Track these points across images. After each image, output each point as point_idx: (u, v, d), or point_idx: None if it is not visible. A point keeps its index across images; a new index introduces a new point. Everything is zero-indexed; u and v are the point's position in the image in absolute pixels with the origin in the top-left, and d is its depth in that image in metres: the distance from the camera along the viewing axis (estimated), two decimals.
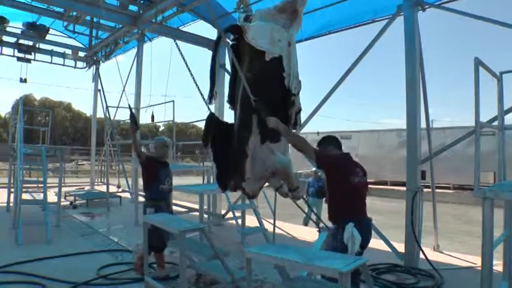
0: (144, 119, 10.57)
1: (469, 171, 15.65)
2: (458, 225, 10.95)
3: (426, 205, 5.70)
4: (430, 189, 6.51)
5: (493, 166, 4.30)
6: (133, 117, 4.93)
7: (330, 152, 3.51)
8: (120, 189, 12.38)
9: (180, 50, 4.70)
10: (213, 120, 3.95)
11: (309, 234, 7.29)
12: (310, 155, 3.42)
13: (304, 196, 7.25)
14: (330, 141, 3.61)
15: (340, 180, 3.32)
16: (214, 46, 4.23)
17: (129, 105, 4.82)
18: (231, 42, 4.03)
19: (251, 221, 7.02)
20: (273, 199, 5.35)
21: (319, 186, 8.57)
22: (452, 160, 16.53)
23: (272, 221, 6.38)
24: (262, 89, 3.58)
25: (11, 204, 7.97)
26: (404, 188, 5.75)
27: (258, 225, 6.42)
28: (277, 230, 6.73)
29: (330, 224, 3.52)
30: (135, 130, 4.92)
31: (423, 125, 5.96)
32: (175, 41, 4.97)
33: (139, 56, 10.57)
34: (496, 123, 4.25)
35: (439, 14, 6.09)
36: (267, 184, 3.95)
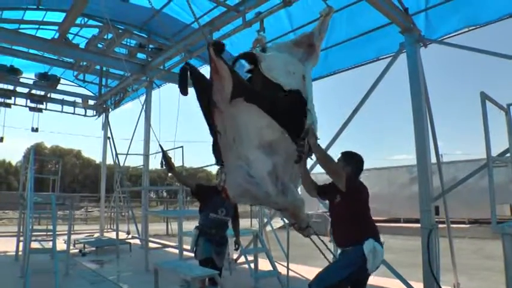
0: (153, 165, 10.61)
1: (483, 205, 15.29)
2: (477, 261, 10.59)
3: (442, 241, 5.55)
4: (444, 225, 6.36)
5: (507, 197, 4.23)
6: (165, 158, 4.66)
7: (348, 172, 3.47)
8: (129, 236, 12.25)
9: None
10: (186, 71, 3.42)
11: None
12: (338, 179, 3.29)
13: (330, 237, 7.05)
14: (357, 163, 3.58)
15: (364, 203, 3.43)
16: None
17: (160, 145, 4.73)
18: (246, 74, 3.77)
19: (264, 264, 6.86)
20: (286, 241, 5.25)
21: None
22: (465, 194, 16.20)
23: (286, 264, 6.23)
24: (281, 122, 3.30)
25: (20, 253, 7.90)
26: (418, 225, 5.62)
27: (271, 268, 6.27)
28: (291, 273, 6.56)
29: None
30: (170, 170, 4.73)
31: (433, 159, 5.92)
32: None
33: (147, 103, 10.78)
34: (508, 155, 4.22)
35: (444, 46, 6.20)
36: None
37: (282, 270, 6.37)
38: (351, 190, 3.31)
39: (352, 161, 3.52)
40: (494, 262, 8.74)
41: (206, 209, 4.63)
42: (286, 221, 4.98)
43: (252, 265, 6.53)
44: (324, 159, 3.30)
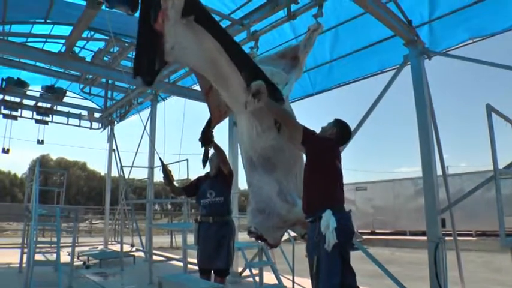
0: (158, 177, 10.61)
1: (490, 217, 15.17)
2: (485, 274, 10.44)
3: (449, 253, 5.48)
4: (451, 237, 6.29)
5: None
6: (165, 171, 4.73)
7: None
8: (134, 248, 12.20)
9: None
10: None
11: None
12: (295, 132, 3.18)
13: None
14: (343, 127, 3.40)
15: (326, 164, 3.13)
16: None
17: (160, 158, 4.80)
18: None
19: (269, 278, 6.80)
20: (291, 254, 5.21)
21: None
22: (472, 206, 16.01)
23: (291, 278, 6.17)
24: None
25: (24, 265, 7.87)
26: (424, 238, 5.56)
27: (277, 282, 6.21)
28: (296, 287, 6.49)
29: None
30: (168, 184, 4.75)
31: (439, 172, 5.87)
32: None
33: (153, 116, 10.83)
34: None
35: (450, 58, 6.19)
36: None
37: (288, 283, 6.30)
38: (314, 145, 3.17)
39: (340, 124, 3.41)
40: (503, 275, 8.63)
41: (197, 199, 4.67)
42: (292, 234, 4.95)
43: (257, 278, 6.48)
44: (278, 113, 3.29)
